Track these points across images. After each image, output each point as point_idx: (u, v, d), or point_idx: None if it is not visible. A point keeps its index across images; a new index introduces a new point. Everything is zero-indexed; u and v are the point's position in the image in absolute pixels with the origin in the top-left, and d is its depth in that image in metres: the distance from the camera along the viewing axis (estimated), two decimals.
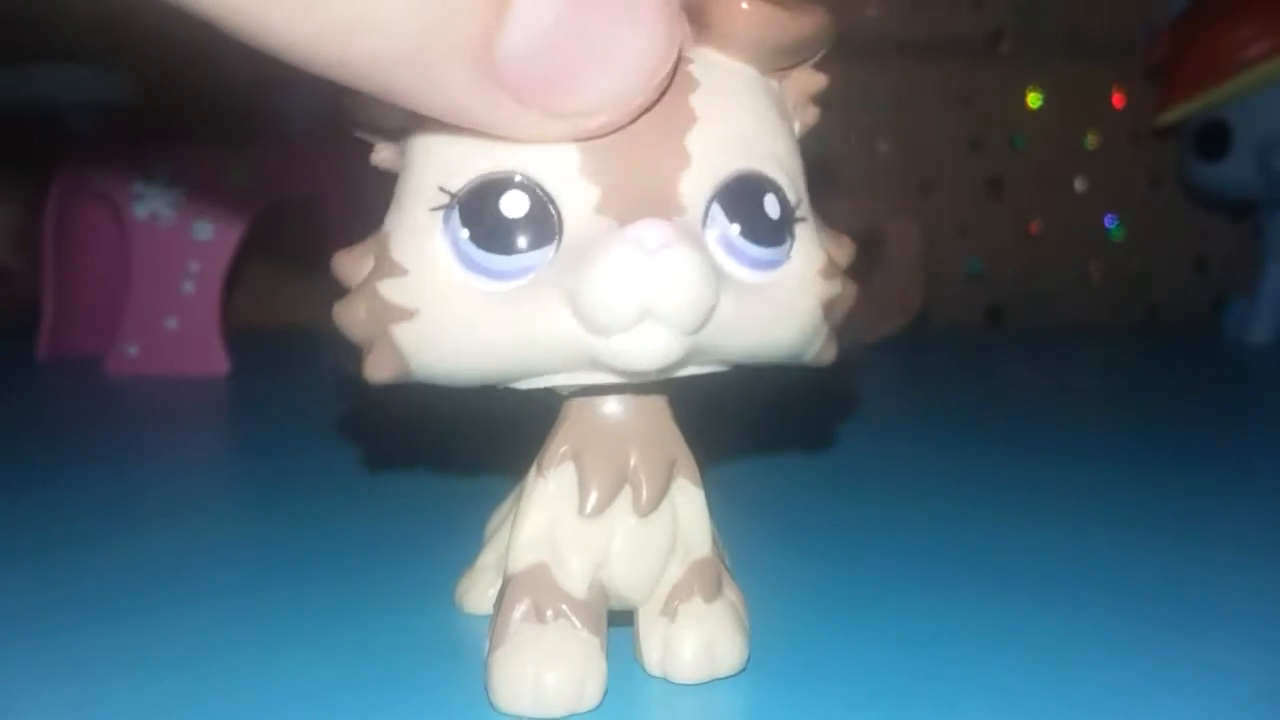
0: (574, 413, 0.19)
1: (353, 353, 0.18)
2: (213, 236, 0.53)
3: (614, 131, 0.16)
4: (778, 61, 0.18)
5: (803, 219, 0.18)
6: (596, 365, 0.17)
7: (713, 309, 0.16)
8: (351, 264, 0.18)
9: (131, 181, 0.53)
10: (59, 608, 0.24)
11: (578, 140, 0.16)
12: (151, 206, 0.52)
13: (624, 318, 0.16)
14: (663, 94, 0.17)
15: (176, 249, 0.53)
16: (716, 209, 0.17)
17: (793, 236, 0.18)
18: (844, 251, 0.19)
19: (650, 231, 0.16)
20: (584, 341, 0.16)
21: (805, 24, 0.18)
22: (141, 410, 0.48)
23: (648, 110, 0.16)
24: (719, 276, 0.17)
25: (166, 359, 0.53)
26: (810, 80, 0.19)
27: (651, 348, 0.16)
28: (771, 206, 0.18)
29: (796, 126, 0.19)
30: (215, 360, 0.53)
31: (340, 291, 0.18)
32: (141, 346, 0.53)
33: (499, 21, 0.15)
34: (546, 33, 0.15)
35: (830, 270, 0.19)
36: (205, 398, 0.49)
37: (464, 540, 0.25)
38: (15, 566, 0.27)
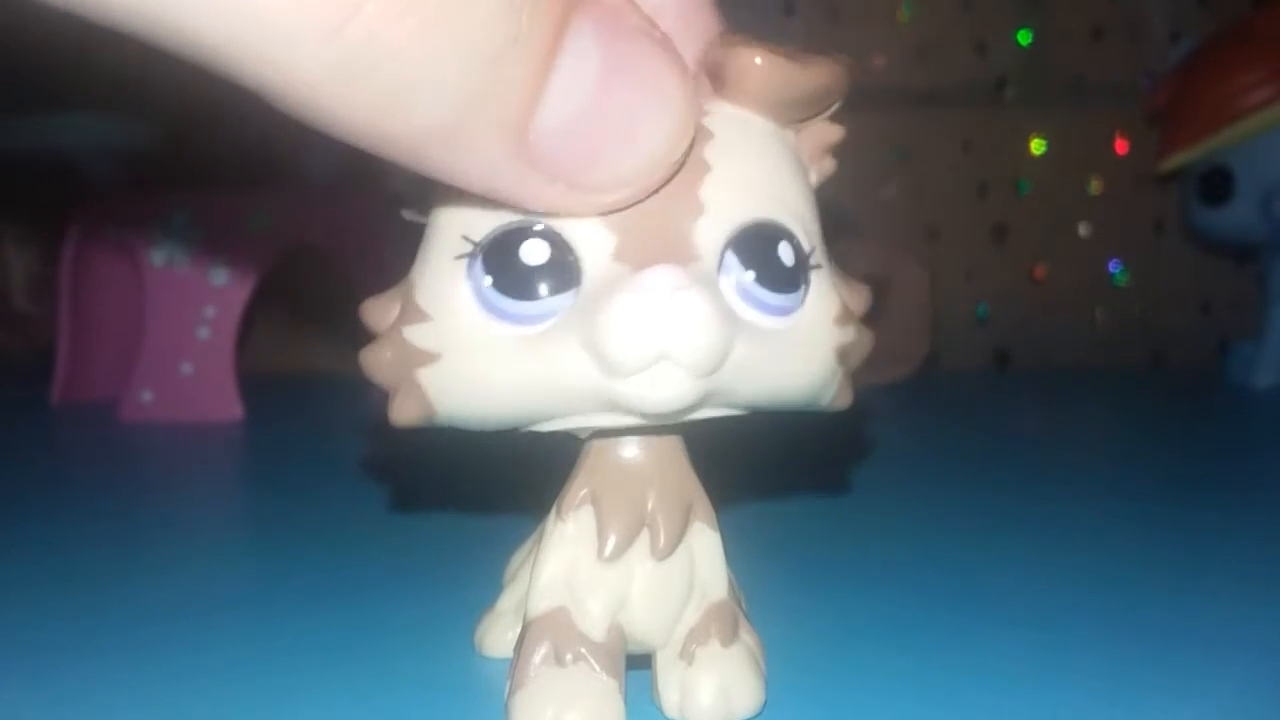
0: (593, 457, 0.20)
1: (379, 397, 0.18)
2: (228, 282, 0.53)
3: (631, 206, 0.17)
4: (792, 114, 0.19)
5: (818, 266, 0.19)
6: (614, 407, 0.17)
7: (727, 351, 0.17)
8: (379, 310, 0.18)
9: (148, 228, 0.53)
10: (76, 649, 0.24)
11: (596, 214, 0.17)
12: (168, 252, 0.53)
13: (639, 360, 0.16)
14: (680, 167, 0.17)
15: (192, 295, 0.53)
16: (731, 256, 0.18)
17: (807, 284, 0.18)
18: (859, 299, 0.20)
19: (662, 275, 0.16)
20: (602, 384, 0.17)
21: (817, 77, 0.18)
22: (156, 455, 0.48)
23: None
24: (733, 320, 0.17)
25: (181, 404, 0.53)
26: (826, 132, 0.20)
27: (667, 389, 0.17)
28: (785, 254, 0.18)
29: (813, 177, 0.20)
30: (229, 406, 0.53)
31: (367, 337, 0.18)
32: (156, 392, 0.53)
33: (536, 98, 0.15)
34: (578, 111, 0.15)
35: (845, 317, 0.19)
36: (219, 443, 0.50)
37: (483, 583, 0.25)
38: (30, 610, 0.27)
